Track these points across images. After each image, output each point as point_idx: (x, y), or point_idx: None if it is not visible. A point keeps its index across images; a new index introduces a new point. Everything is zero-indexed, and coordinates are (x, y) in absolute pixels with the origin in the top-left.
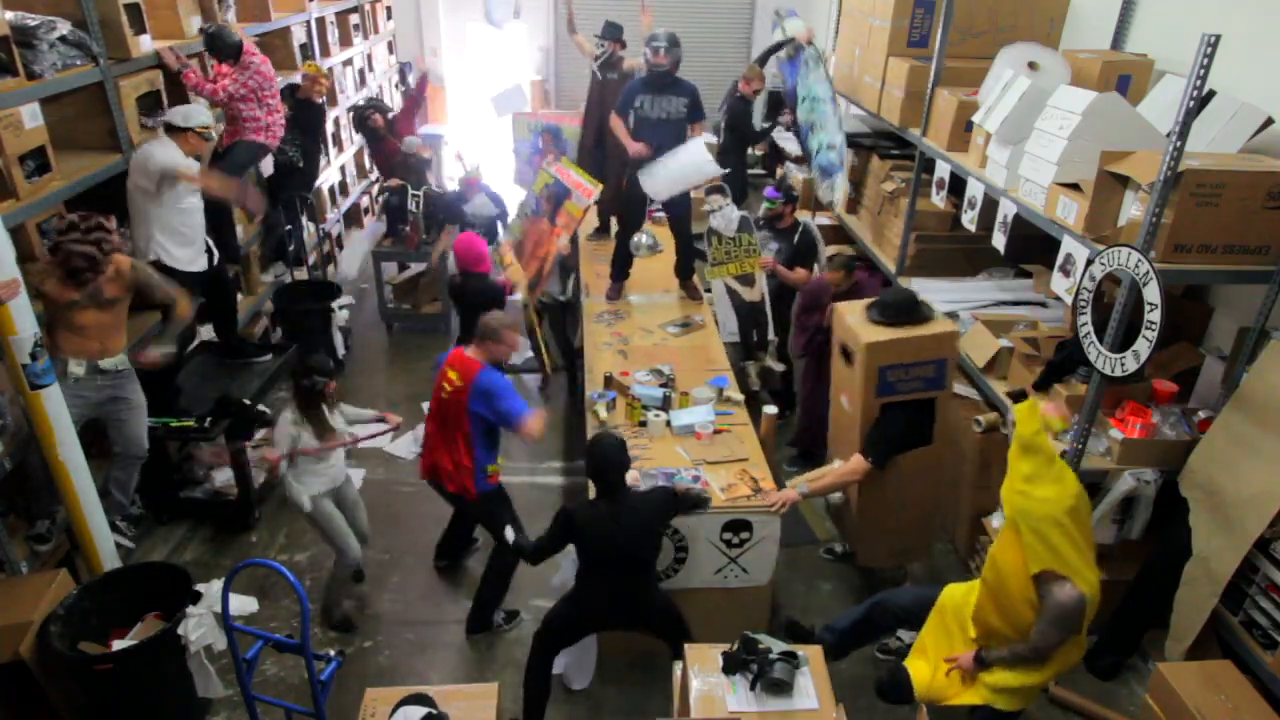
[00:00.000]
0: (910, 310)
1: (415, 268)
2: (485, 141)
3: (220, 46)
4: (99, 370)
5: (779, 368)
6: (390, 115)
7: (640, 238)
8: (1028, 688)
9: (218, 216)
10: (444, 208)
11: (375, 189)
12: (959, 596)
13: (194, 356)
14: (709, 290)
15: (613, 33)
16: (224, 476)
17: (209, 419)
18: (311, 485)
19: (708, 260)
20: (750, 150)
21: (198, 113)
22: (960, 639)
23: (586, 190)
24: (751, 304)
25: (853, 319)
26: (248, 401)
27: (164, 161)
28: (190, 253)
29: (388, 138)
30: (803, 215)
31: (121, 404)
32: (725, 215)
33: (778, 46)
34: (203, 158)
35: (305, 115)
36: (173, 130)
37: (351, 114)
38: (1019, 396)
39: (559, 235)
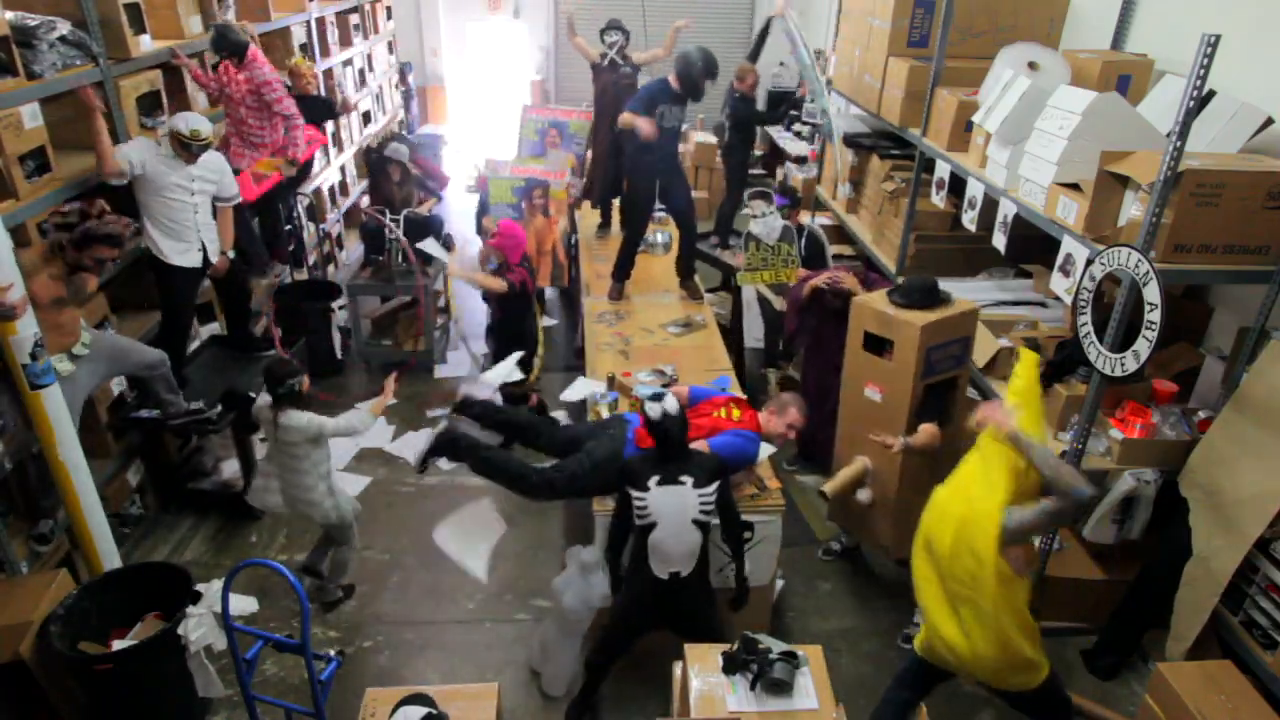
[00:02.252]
0: (934, 292)
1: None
2: (488, 140)
3: (224, 43)
4: (78, 357)
5: (798, 375)
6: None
7: (655, 235)
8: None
9: (240, 226)
10: (427, 233)
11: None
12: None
13: (202, 350)
14: (712, 290)
15: (618, 23)
16: (231, 468)
17: (216, 411)
18: (344, 492)
19: (742, 265)
20: (753, 151)
21: (182, 119)
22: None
23: (559, 173)
24: (780, 313)
25: (883, 306)
26: (253, 395)
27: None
28: (177, 246)
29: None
30: (802, 215)
31: (119, 355)
32: (767, 223)
33: (762, 36)
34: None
35: (301, 110)
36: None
37: (369, 153)
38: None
39: (556, 223)
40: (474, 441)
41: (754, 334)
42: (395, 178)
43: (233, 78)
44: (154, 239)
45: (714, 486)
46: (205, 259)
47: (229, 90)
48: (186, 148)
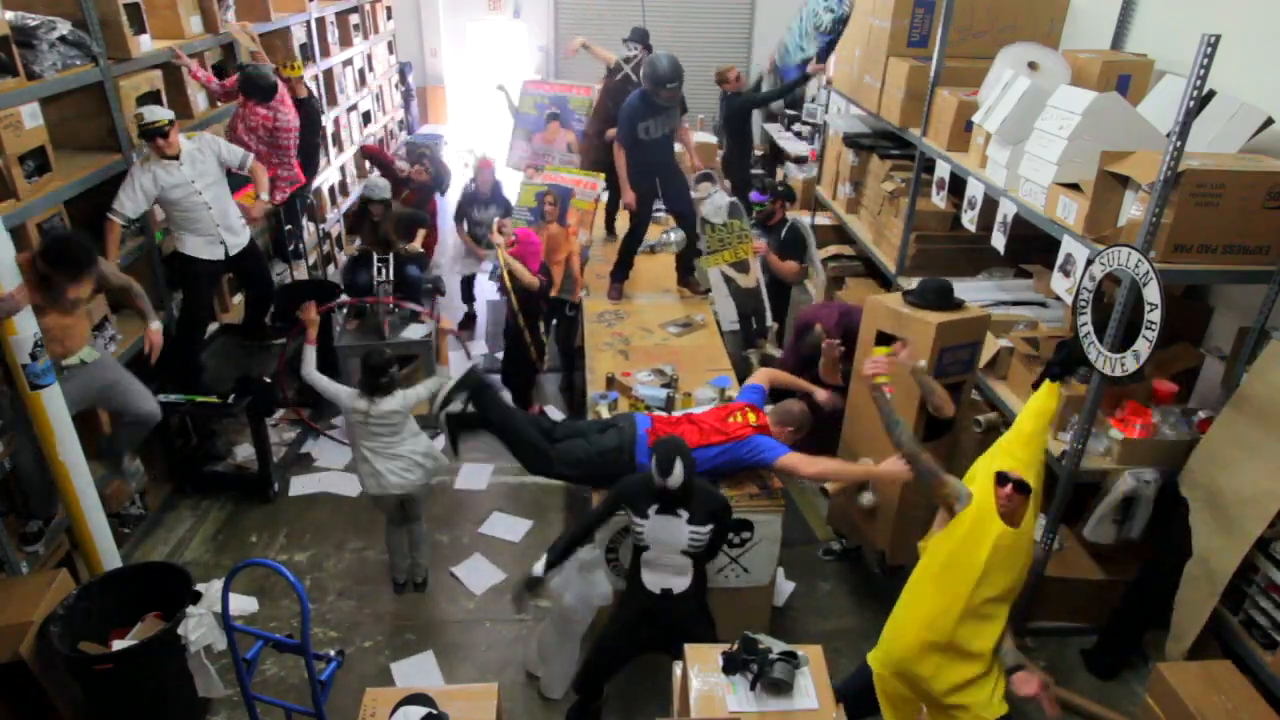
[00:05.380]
0: (948, 294)
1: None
2: (487, 131)
3: (253, 87)
4: (62, 369)
5: (778, 355)
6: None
7: (669, 234)
8: (992, 676)
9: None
10: (415, 279)
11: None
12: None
13: (215, 338)
14: (707, 291)
15: (642, 37)
16: (245, 451)
17: (232, 396)
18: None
19: (703, 250)
20: (753, 154)
21: (147, 112)
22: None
23: (590, 184)
24: (748, 290)
25: (897, 306)
26: (268, 379)
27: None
28: (199, 241)
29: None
30: (802, 215)
31: (109, 388)
32: (714, 202)
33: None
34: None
35: (301, 113)
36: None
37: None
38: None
39: (575, 235)
40: (497, 394)
41: (727, 318)
42: (377, 218)
43: (252, 110)
44: (181, 239)
45: (708, 528)
46: (226, 252)
47: (246, 119)
48: (150, 136)
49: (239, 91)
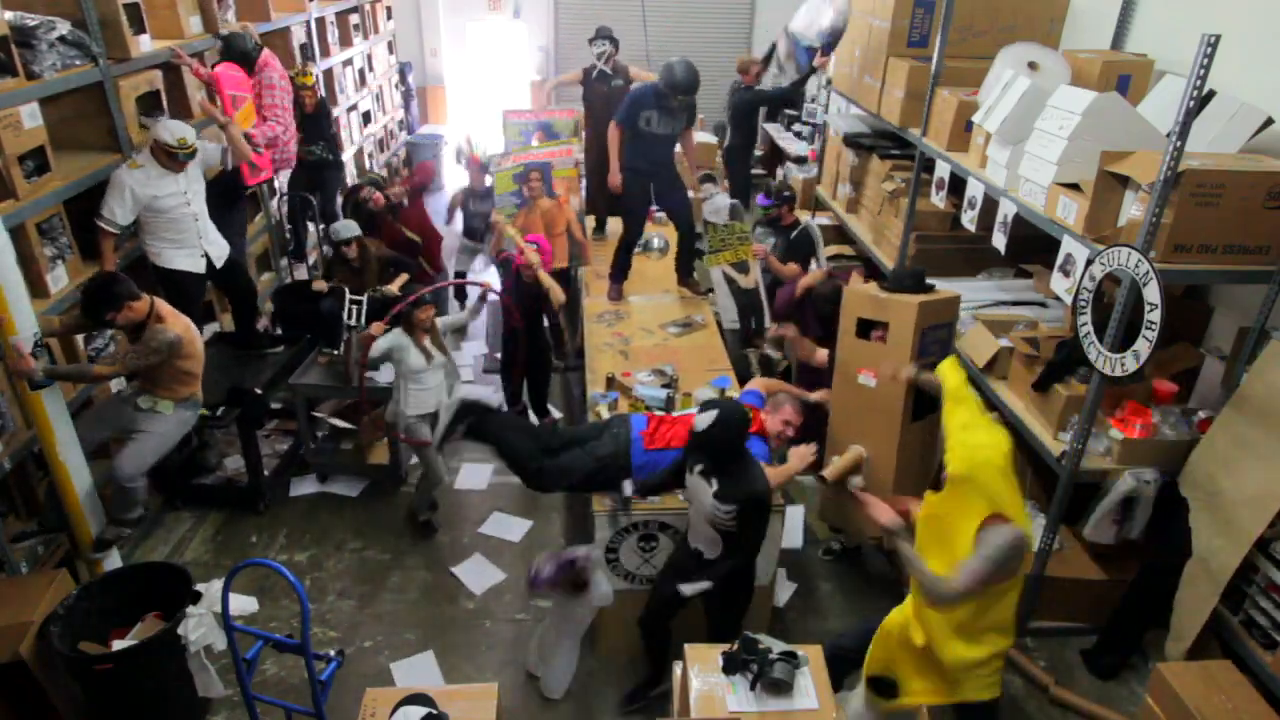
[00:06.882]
0: (923, 280)
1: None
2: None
3: (234, 51)
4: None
5: (777, 355)
6: (391, 195)
7: (652, 240)
8: (993, 661)
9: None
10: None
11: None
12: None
13: (208, 348)
14: (708, 291)
15: (608, 33)
16: (235, 464)
17: (222, 408)
18: (413, 407)
19: (705, 250)
20: (755, 153)
21: (166, 130)
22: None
23: (565, 150)
24: (747, 291)
25: (875, 292)
26: (259, 390)
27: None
28: (180, 253)
29: (387, 220)
30: (803, 215)
31: (135, 434)
32: (715, 203)
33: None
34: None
35: (318, 115)
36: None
37: (343, 197)
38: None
39: (566, 203)
40: (497, 412)
41: (728, 316)
42: (353, 258)
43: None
44: (158, 251)
45: (731, 507)
46: (209, 264)
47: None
48: (174, 157)
49: (222, 57)
